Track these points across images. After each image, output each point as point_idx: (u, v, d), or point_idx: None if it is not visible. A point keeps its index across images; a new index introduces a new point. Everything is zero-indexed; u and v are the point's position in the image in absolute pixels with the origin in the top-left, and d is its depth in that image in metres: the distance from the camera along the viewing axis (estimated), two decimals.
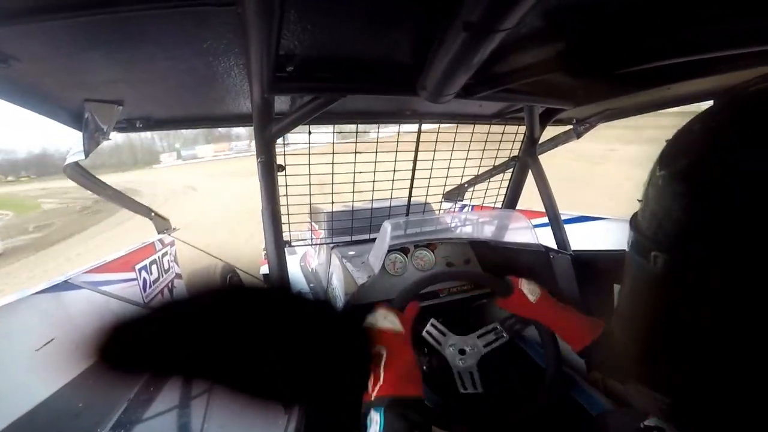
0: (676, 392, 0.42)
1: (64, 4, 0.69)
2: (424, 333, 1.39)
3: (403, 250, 1.88)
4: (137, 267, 2.61)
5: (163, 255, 2.98)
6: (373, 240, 1.73)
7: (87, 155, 1.44)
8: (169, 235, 3.06)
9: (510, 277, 1.35)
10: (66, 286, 1.93)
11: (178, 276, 3.24)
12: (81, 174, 1.85)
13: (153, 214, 2.85)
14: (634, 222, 0.45)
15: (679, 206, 0.37)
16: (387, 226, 1.62)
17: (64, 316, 1.84)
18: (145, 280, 2.67)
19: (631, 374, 0.50)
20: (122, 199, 2.39)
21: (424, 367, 1.51)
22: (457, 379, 1.33)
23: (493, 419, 1.20)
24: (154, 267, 2.82)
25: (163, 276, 2.95)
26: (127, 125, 1.54)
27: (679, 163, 0.39)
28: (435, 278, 1.38)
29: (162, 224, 2.97)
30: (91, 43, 0.85)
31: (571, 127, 2.02)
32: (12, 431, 1.41)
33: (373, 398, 0.88)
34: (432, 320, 1.41)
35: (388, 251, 1.70)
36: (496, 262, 1.87)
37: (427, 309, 1.63)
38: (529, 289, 1.29)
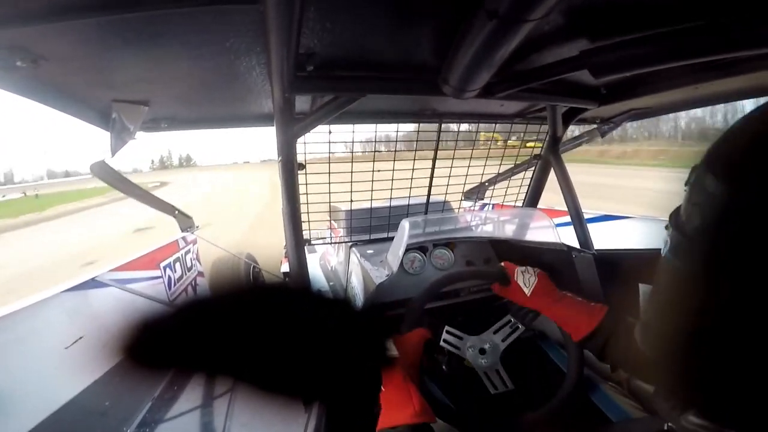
0: (710, 400, 0.41)
1: (90, 4, 0.70)
2: (441, 342, 1.38)
3: (422, 249, 1.87)
4: (162, 265, 2.65)
5: (186, 253, 3.02)
6: (392, 239, 1.73)
7: (114, 154, 1.47)
8: (193, 233, 3.11)
9: (505, 264, 1.33)
10: (93, 284, 1.97)
11: (200, 274, 3.28)
12: (108, 172, 1.89)
13: (177, 212, 2.89)
14: (675, 221, 0.43)
15: (727, 207, 0.36)
16: (405, 224, 1.61)
17: (92, 313, 1.86)
18: (169, 278, 2.71)
19: (660, 382, 0.48)
20: (147, 198, 2.44)
21: (446, 370, 1.49)
22: (485, 381, 1.31)
23: (507, 424, 1.19)
24: (177, 265, 2.86)
25: (186, 274, 2.99)
26: (152, 125, 1.57)
27: (732, 162, 0.37)
28: (432, 289, 1.34)
29: (185, 222, 3.02)
30: (116, 42, 0.87)
31: (595, 126, 1.99)
32: (43, 428, 1.43)
33: None
34: (446, 327, 1.39)
35: (407, 250, 1.69)
36: (517, 261, 1.85)
37: (445, 311, 1.63)
38: (523, 280, 1.26)
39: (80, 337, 1.74)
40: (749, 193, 0.34)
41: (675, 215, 0.43)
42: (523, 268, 1.30)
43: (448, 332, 1.39)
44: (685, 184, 0.41)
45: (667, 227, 0.44)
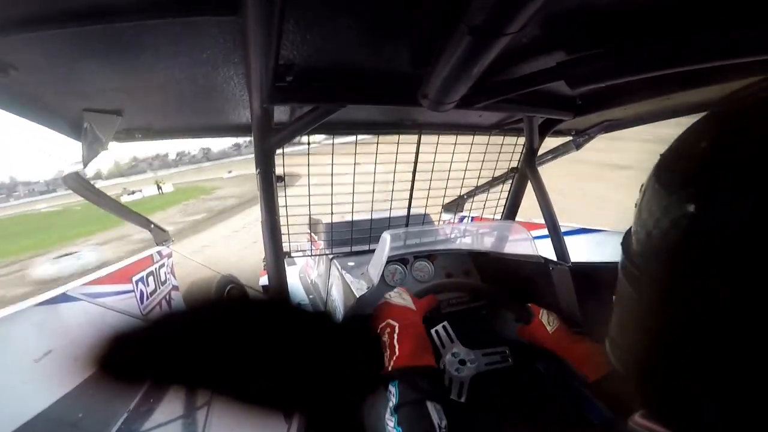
0: (672, 423, 0.40)
1: (62, 15, 0.69)
2: (432, 331, 1.35)
3: (403, 261, 1.86)
4: (134, 279, 2.59)
5: (160, 267, 2.97)
6: (373, 251, 1.72)
7: (86, 165, 1.44)
8: (168, 247, 3.04)
9: (531, 305, 1.35)
10: (64, 298, 1.92)
11: (175, 288, 3.21)
12: (81, 184, 1.84)
13: (152, 225, 2.84)
14: (625, 243, 0.43)
15: (679, 221, 0.34)
16: (386, 236, 1.60)
17: (62, 327, 1.83)
18: (142, 292, 2.66)
19: (630, 399, 0.48)
20: (121, 210, 2.38)
21: None
22: (453, 386, 1.30)
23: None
24: (150, 279, 2.81)
25: (159, 288, 2.93)
26: (126, 135, 1.54)
27: (681, 175, 0.36)
28: (458, 286, 1.51)
29: (161, 236, 2.96)
30: (89, 53, 0.85)
31: (571, 138, 2.03)
32: None
33: (390, 370, 0.98)
34: (445, 323, 1.38)
35: (388, 262, 1.68)
36: (495, 274, 1.85)
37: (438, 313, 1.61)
38: (548, 320, 1.30)
39: (50, 351, 1.71)
40: (704, 204, 0.33)
41: (626, 237, 0.43)
42: (547, 310, 1.34)
43: (444, 327, 1.36)
44: (635, 206, 0.40)
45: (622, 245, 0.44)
